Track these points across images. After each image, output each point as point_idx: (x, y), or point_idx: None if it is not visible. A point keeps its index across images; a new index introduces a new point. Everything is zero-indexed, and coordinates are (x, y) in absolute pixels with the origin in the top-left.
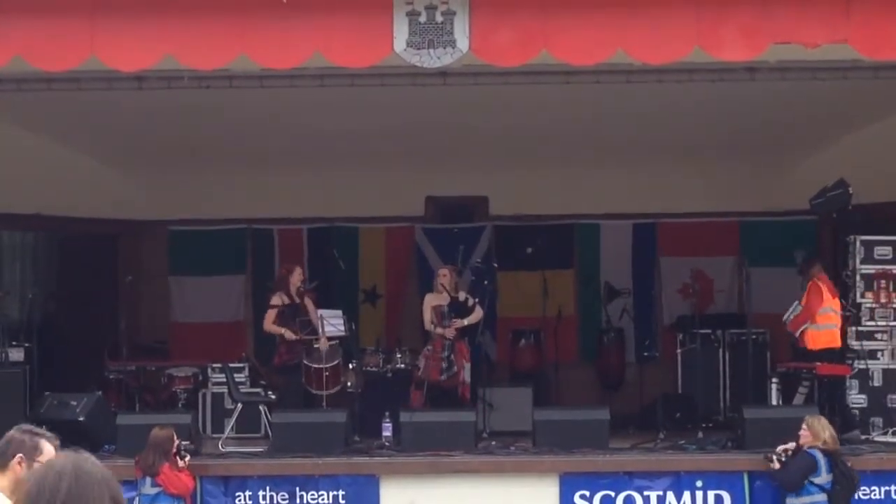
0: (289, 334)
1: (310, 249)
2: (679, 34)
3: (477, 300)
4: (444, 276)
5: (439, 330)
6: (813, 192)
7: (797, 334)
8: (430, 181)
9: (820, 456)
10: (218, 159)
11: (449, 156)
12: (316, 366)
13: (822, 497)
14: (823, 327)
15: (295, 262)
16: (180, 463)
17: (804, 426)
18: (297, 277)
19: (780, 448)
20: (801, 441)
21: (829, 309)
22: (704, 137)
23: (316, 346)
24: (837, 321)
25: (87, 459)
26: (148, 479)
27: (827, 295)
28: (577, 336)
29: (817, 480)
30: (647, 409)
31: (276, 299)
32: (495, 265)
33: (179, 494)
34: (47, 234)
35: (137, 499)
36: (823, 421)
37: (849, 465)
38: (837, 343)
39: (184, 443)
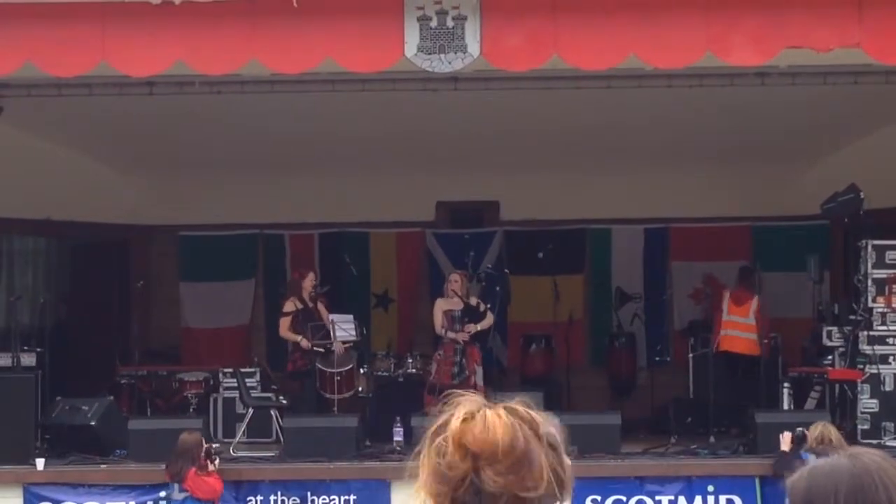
0: (305, 343)
1: (321, 254)
2: (690, 39)
3: (489, 306)
4: (455, 281)
5: (451, 334)
6: (824, 196)
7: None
8: (440, 186)
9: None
10: (229, 164)
11: (460, 160)
12: (330, 370)
13: None
14: (723, 333)
15: (307, 267)
16: (210, 466)
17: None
18: (309, 282)
19: (799, 429)
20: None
21: (731, 317)
22: (716, 142)
23: (332, 349)
24: (738, 328)
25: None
26: (176, 485)
27: (730, 305)
28: (589, 341)
29: None
30: (659, 413)
31: (290, 305)
32: (507, 271)
33: (207, 499)
34: (58, 239)
35: None
36: (822, 426)
37: None
38: (735, 348)
39: (214, 446)
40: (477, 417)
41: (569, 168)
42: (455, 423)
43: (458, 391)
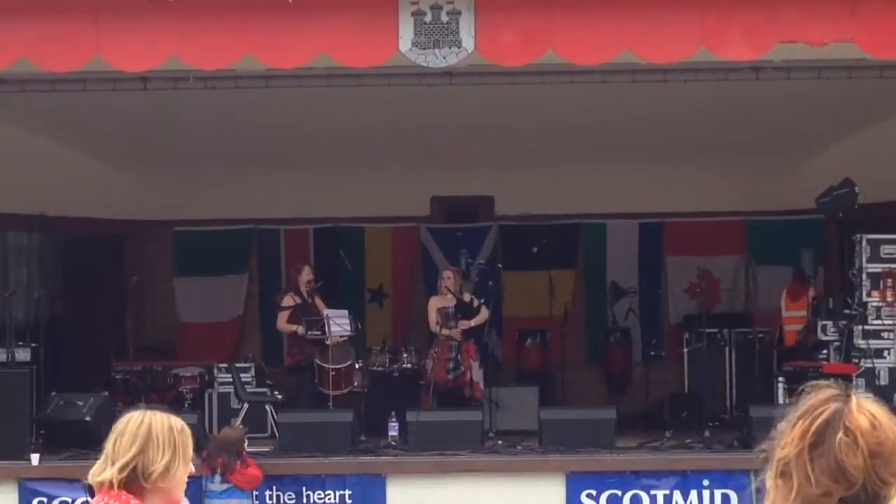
0: (302, 330)
1: (316, 249)
2: (684, 33)
3: (482, 301)
4: (448, 278)
5: (445, 331)
6: (819, 191)
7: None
8: (435, 181)
9: None
10: (223, 160)
11: (454, 155)
12: (327, 366)
13: None
14: (786, 329)
15: (303, 262)
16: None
17: None
18: (305, 276)
19: None
20: None
21: (789, 313)
22: (710, 136)
23: (328, 343)
24: (791, 322)
25: None
26: (217, 476)
27: (787, 302)
28: (584, 335)
29: None
30: (654, 408)
31: (289, 300)
32: (500, 266)
33: (251, 488)
34: (53, 234)
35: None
36: None
37: None
38: (790, 342)
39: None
40: (864, 413)
41: (563, 163)
42: (859, 421)
43: (822, 381)
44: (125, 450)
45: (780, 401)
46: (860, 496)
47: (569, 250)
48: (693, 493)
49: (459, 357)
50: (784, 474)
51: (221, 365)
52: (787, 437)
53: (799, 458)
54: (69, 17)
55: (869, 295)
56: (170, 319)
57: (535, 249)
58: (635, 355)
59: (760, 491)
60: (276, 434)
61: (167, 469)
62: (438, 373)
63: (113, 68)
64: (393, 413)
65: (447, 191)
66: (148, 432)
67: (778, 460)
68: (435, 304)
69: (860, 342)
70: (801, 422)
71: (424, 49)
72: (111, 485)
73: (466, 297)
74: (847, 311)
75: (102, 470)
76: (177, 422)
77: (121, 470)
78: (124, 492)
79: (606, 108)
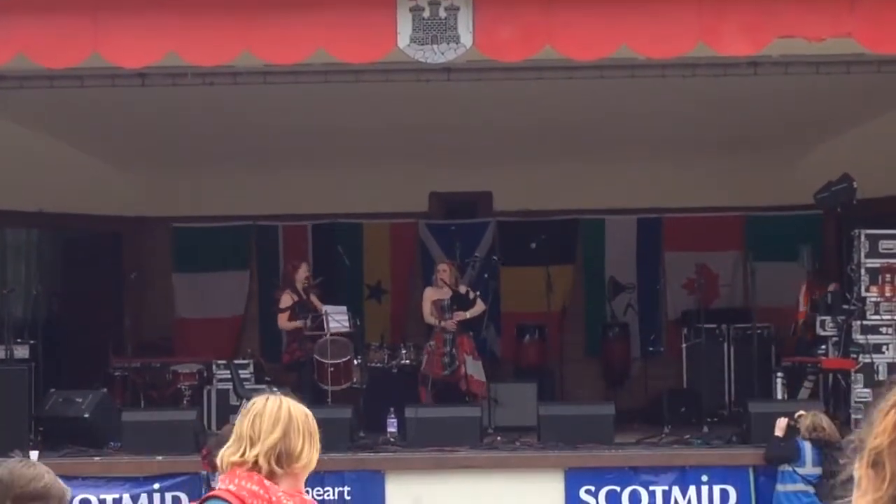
0: (305, 325)
1: (314, 245)
2: (682, 29)
3: (478, 293)
4: (444, 271)
5: (442, 323)
6: (818, 186)
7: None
8: (433, 177)
9: (807, 447)
10: (222, 156)
11: (453, 151)
12: (326, 361)
13: (806, 488)
14: (801, 322)
15: (300, 259)
16: None
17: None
18: (302, 274)
19: (797, 414)
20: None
21: (804, 307)
22: (708, 132)
23: (327, 337)
24: (800, 316)
25: None
26: (219, 474)
27: (805, 296)
28: (582, 331)
29: (801, 471)
30: (653, 403)
31: (287, 299)
32: (495, 258)
33: None
34: (51, 231)
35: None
36: (812, 416)
37: (844, 462)
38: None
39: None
40: None
41: (562, 158)
42: None
43: None
44: (267, 431)
45: (779, 396)
46: None
47: (567, 246)
48: (692, 489)
49: (455, 351)
50: (876, 464)
51: (220, 361)
52: (880, 426)
53: (891, 447)
54: (67, 12)
55: (867, 290)
56: (168, 316)
57: (533, 245)
58: (634, 351)
59: (851, 481)
60: None
61: (306, 455)
62: (434, 368)
63: (111, 64)
64: (391, 409)
65: (445, 187)
66: (289, 416)
67: (870, 450)
68: (430, 296)
69: (858, 337)
70: (893, 411)
71: (423, 45)
72: (254, 466)
73: (462, 289)
74: (845, 307)
75: (238, 450)
76: (307, 409)
77: (267, 452)
78: (256, 473)
79: (605, 103)
